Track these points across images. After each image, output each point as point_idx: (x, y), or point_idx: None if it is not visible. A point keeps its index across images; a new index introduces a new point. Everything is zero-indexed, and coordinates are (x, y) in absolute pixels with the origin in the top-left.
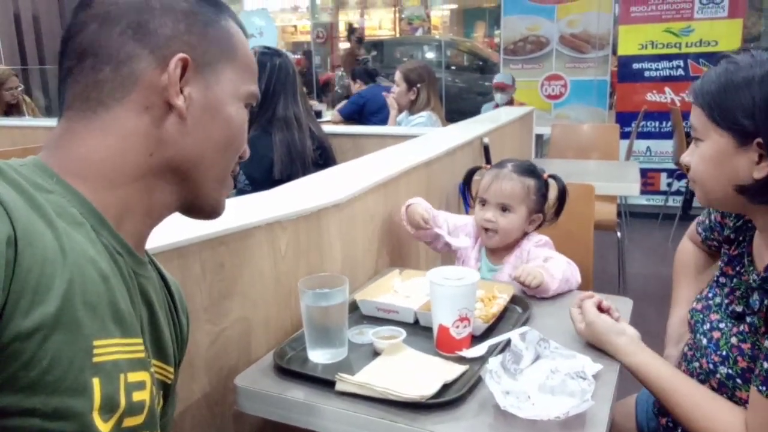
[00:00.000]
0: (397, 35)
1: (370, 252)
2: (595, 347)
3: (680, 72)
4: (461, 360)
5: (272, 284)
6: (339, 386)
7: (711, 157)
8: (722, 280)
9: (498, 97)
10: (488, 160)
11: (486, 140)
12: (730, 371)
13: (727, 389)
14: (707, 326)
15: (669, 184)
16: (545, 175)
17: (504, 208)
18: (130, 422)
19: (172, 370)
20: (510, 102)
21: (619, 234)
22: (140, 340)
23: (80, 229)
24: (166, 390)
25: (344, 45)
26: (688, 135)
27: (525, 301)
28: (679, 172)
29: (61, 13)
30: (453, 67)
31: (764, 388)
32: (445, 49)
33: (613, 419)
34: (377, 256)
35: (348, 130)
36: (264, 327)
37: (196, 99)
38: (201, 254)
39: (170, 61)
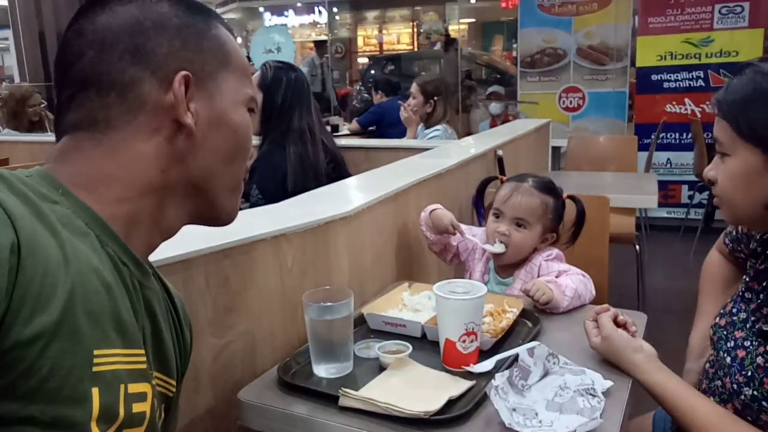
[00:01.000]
0: (415, 49)
1: (379, 265)
2: (607, 362)
3: (700, 83)
4: (468, 375)
5: (278, 297)
6: (342, 401)
7: (739, 174)
8: (748, 295)
9: (492, 106)
10: (502, 173)
11: (500, 152)
12: (755, 393)
13: (752, 411)
14: (731, 344)
15: (690, 197)
16: (565, 195)
17: (519, 224)
18: None
19: (174, 383)
20: (504, 116)
21: (638, 247)
22: (142, 351)
23: (84, 239)
24: (168, 403)
25: (362, 60)
26: (709, 146)
27: (535, 315)
28: (701, 185)
29: None
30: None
31: None
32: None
33: None
34: (386, 270)
35: (361, 143)
36: (269, 341)
37: (202, 113)
38: (205, 267)
39: (173, 80)
